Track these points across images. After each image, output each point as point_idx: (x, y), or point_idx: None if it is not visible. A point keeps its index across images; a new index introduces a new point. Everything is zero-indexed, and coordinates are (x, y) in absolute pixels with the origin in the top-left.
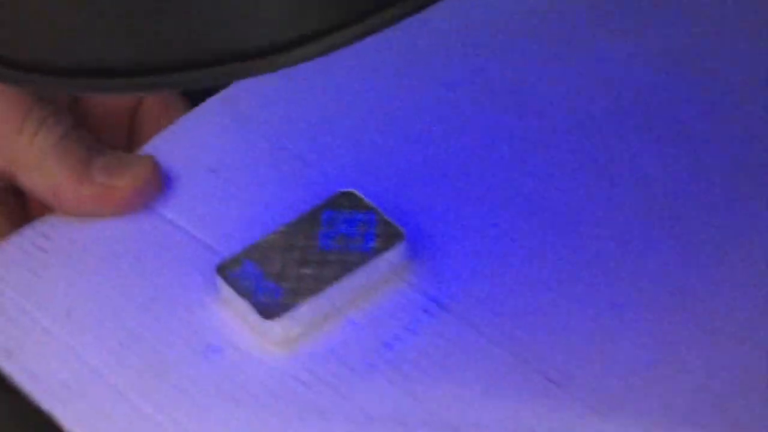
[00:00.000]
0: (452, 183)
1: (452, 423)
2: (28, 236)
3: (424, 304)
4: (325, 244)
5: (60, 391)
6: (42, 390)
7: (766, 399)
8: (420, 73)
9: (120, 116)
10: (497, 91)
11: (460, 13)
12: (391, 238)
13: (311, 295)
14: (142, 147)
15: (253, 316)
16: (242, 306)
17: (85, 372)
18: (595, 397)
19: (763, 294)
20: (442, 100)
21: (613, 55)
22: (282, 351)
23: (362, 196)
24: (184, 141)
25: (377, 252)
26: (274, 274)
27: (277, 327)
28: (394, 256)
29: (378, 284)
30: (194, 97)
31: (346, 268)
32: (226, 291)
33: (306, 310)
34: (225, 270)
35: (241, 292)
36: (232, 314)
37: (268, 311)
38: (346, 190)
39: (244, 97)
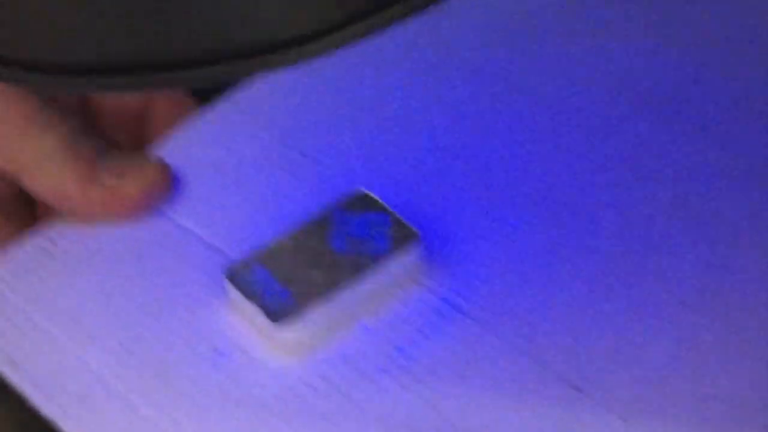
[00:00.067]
0: (467, 182)
1: (468, 430)
2: (35, 241)
3: (438, 306)
4: (336, 246)
5: (65, 398)
6: (46, 396)
7: None
8: (435, 72)
9: (129, 117)
10: (515, 89)
11: (474, 10)
12: (405, 239)
13: (322, 298)
14: (150, 148)
15: (262, 320)
16: (251, 310)
17: (91, 378)
18: (620, 403)
19: None
20: (457, 98)
21: (634, 50)
22: (291, 355)
23: (375, 196)
24: (193, 142)
25: (390, 254)
26: (284, 277)
27: (287, 331)
28: (408, 257)
29: (391, 287)
30: (203, 98)
31: (358, 270)
32: (235, 294)
33: (316, 314)
34: (233, 273)
35: (250, 295)
36: (240, 318)
37: (277, 315)
38: (358, 190)
39: (254, 98)
